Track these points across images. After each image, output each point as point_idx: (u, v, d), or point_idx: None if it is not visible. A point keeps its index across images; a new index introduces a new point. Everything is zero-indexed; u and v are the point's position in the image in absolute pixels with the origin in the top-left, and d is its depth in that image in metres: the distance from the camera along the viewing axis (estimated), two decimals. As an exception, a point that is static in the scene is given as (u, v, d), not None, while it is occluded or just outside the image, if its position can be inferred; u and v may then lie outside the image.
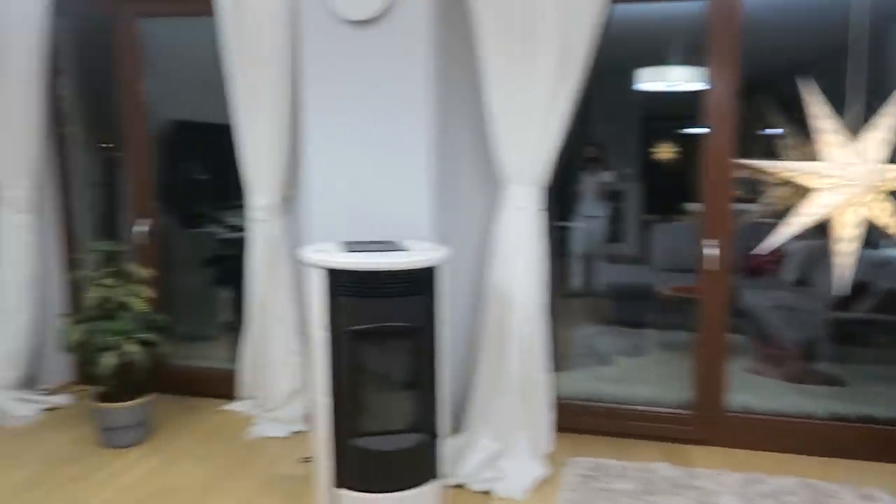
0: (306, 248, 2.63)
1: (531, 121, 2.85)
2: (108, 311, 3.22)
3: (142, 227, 3.82)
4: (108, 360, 3.08)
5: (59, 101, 3.89)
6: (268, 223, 3.37)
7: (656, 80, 5.77)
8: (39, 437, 3.40)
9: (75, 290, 4.04)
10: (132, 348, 3.14)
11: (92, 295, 3.21)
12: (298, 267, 3.51)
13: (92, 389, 3.81)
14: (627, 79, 5.98)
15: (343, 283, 2.44)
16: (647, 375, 4.19)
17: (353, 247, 2.63)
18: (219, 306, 4.37)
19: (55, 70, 3.72)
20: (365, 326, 2.43)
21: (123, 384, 3.28)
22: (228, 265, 4.27)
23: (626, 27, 4.19)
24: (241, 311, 3.59)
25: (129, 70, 3.73)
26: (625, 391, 3.66)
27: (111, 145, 4.10)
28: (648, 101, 6.96)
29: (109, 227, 4.14)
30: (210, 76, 3.37)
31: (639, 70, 5.87)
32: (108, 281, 3.24)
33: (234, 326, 4.27)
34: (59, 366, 4.03)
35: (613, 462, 3.10)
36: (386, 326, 2.44)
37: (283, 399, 3.49)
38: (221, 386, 3.88)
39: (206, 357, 4.08)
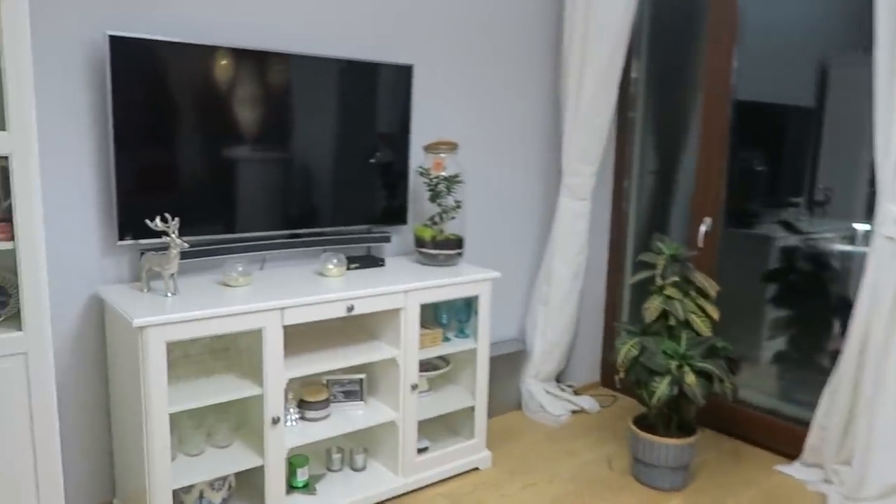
0: None
1: None
2: (669, 327, 2.69)
3: (705, 227, 3.20)
4: (663, 389, 2.54)
5: (629, 85, 3.51)
6: (901, 242, 2.36)
7: None
8: (571, 448, 3.10)
9: (614, 287, 3.70)
10: (690, 379, 2.54)
11: (652, 304, 2.71)
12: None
13: (619, 399, 3.40)
14: None
15: None
16: None
17: None
18: (768, 329, 3.51)
19: (630, 53, 3.33)
20: None
21: (670, 415, 2.74)
22: (791, 280, 3.37)
23: None
24: (802, 342, 2.67)
25: (720, 47, 3.10)
26: None
27: (666, 133, 3.60)
28: None
29: (658, 222, 3.64)
30: (787, 46, 2.45)
31: None
32: (671, 291, 2.70)
33: (787, 358, 3.38)
34: (587, 365, 3.76)
35: None
36: None
37: (884, 491, 2.47)
38: (769, 433, 3.06)
39: (743, 386, 3.28)
